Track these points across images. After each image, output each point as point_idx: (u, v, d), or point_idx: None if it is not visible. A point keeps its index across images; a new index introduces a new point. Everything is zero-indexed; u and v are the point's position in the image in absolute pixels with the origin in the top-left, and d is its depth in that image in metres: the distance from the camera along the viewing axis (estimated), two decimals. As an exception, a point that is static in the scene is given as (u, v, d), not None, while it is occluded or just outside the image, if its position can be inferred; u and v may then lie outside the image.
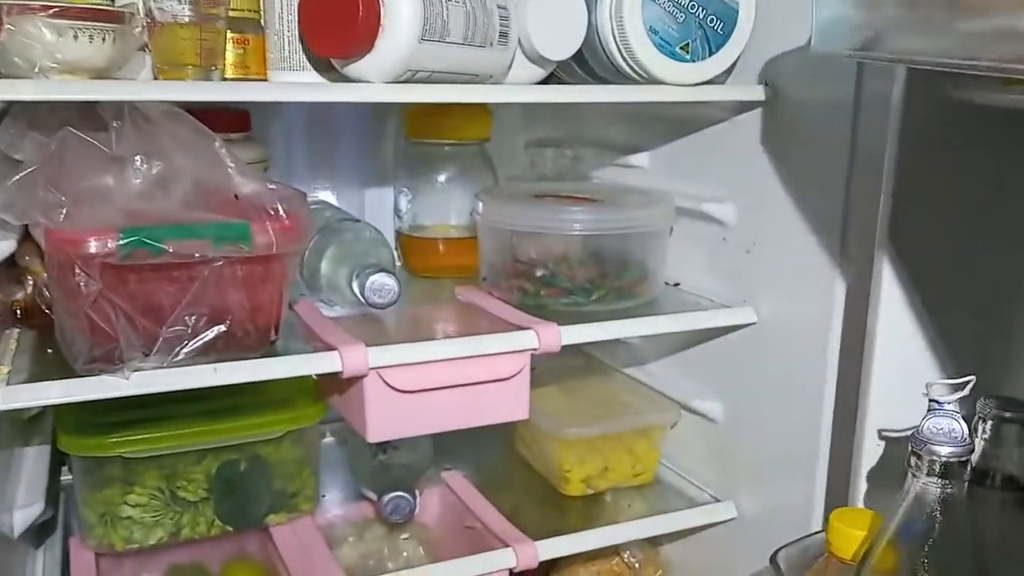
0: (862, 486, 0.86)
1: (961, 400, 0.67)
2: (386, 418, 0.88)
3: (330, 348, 0.85)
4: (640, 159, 1.17)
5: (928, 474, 0.65)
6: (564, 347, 1.23)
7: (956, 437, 0.65)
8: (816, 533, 0.88)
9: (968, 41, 0.52)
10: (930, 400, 0.67)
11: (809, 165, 0.92)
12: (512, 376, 0.91)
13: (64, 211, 0.76)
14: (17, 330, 0.90)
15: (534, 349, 0.91)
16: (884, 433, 0.84)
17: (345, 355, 0.84)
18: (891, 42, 0.61)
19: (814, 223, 0.92)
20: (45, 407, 1.02)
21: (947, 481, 0.65)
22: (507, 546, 0.97)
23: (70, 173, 0.78)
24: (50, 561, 0.96)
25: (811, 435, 0.94)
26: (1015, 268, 0.83)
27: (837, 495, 0.93)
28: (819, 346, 0.93)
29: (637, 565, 1.14)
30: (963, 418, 0.66)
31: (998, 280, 0.84)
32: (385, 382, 0.86)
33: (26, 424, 1.00)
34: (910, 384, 0.78)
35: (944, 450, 0.65)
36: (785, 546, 0.84)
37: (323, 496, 1.08)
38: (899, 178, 0.80)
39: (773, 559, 0.82)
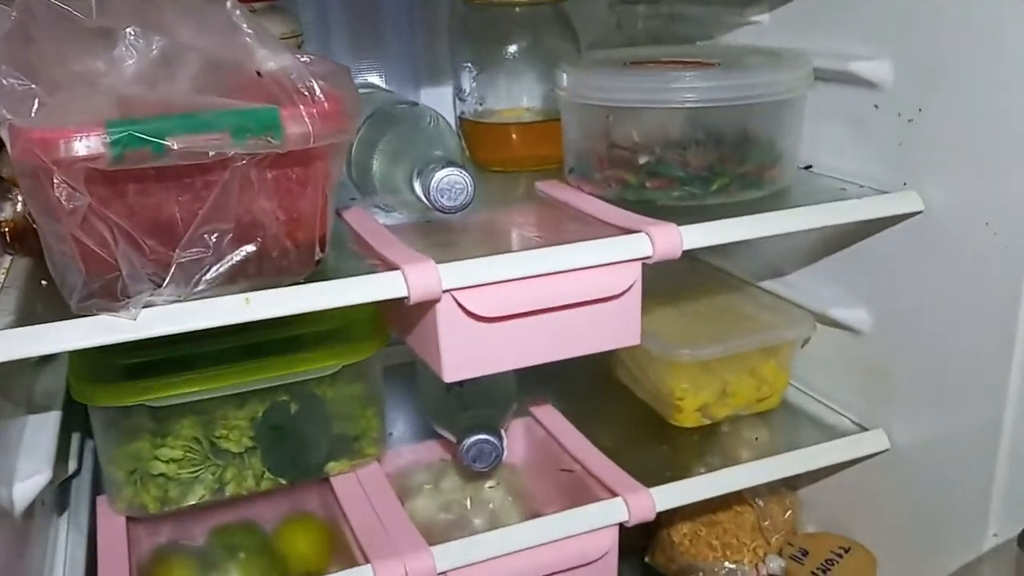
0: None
1: None
2: (466, 352, 0.70)
3: (391, 267, 0.67)
4: (760, 14, 0.94)
5: None
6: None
7: None
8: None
9: None
10: None
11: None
12: (621, 293, 0.72)
13: (35, 103, 0.57)
14: (9, 257, 0.74)
15: (647, 257, 0.72)
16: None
17: (411, 275, 0.66)
18: None
19: (1002, 72, 0.70)
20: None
21: None
22: (615, 495, 0.79)
23: (40, 51, 0.60)
24: (74, 530, 0.81)
25: (1000, 342, 0.75)
26: None
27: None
28: (1009, 239, 0.72)
29: (762, 504, 0.96)
30: None
31: None
32: (462, 307, 0.68)
33: (33, 369, 0.84)
34: None
35: None
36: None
37: (390, 434, 0.92)
38: None
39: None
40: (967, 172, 0.76)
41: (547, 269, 0.69)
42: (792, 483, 1.00)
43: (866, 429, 0.90)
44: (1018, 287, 0.73)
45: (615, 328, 0.74)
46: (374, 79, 1.04)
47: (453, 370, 0.70)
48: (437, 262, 0.67)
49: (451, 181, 0.69)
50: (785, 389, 0.95)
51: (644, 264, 0.73)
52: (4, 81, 0.57)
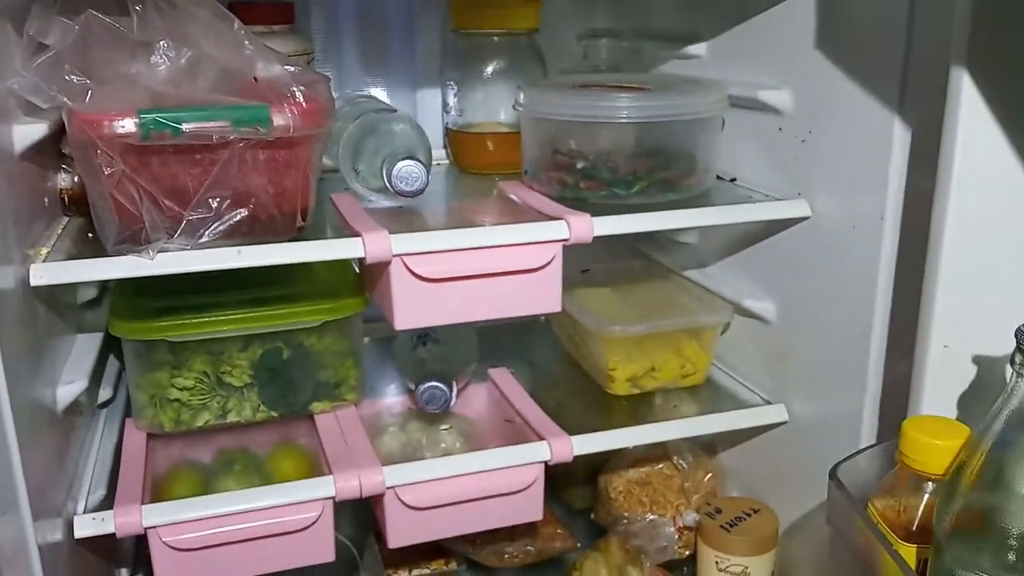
0: (925, 394, 0.79)
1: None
2: (412, 306, 0.87)
3: (355, 235, 0.85)
4: (699, 49, 1.11)
5: None
6: (621, 249, 1.22)
7: None
8: (874, 445, 0.84)
9: None
10: None
11: (864, 42, 0.86)
12: (542, 267, 0.89)
13: (89, 94, 0.77)
14: (66, 218, 0.94)
15: (564, 239, 0.89)
16: (952, 342, 0.77)
17: (368, 241, 0.84)
18: None
19: (869, 107, 0.86)
20: (101, 293, 1.06)
21: None
22: (542, 439, 0.96)
23: (95, 57, 0.79)
24: (106, 440, 1.00)
25: (862, 339, 0.90)
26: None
27: (892, 407, 0.88)
28: (873, 242, 0.87)
29: (686, 467, 1.12)
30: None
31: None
32: (409, 269, 0.85)
33: (82, 310, 1.04)
34: (984, 295, 0.73)
35: None
36: (845, 459, 0.79)
37: (371, 387, 1.10)
38: (972, 44, 0.70)
39: (833, 474, 0.77)
40: (840, 184, 0.91)
41: (481, 243, 0.87)
42: (711, 450, 1.15)
43: (770, 403, 1.05)
44: (874, 282, 0.87)
45: (538, 296, 0.90)
46: (378, 91, 1.22)
47: (402, 320, 0.88)
48: (391, 233, 0.85)
49: (408, 171, 0.88)
50: (708, 368, 1.10)
51: (564, 245, 0.90)
52: (67, 77, 0.77)
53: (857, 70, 0.87)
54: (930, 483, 0.69)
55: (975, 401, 0.74)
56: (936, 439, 0.68)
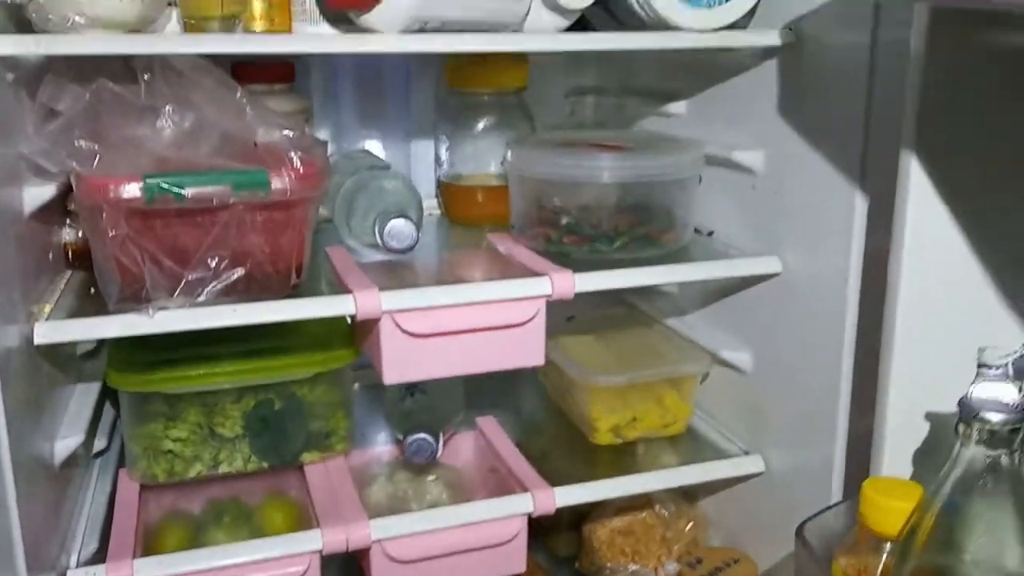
0: (887, 451, 0.82)
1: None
2: (400, 361, 0.91)
3: (347, 291, 0.89)
4: (678, 107, 1.16)
5: (978, 443, 0.63)
6: (606, 297, 1.25)
7: (1008, 404, 0.63)
8: (840, 503, 0.87)
9: None
10: (980, 364, 0.64)
11: (829, 112, 0.91)
12: (526, 322, 0.93)
13: (97, 159, 0.81)
14: (69, 272, 0.97)
15: (547, 295, 0.93)
16: (910, 404, 0.80)
17: (359, 299, 0.87)
18: None
19: (833, 171, 0.90)
20: (98, 346, 1.09)
21: (998, 450, 0.63)
22: (526, 491, 0.99)
23: (104, 123, 0.83)
24: (99, 491, 1.03)
25: (831, 393, 0.94)
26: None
27: (860, 458, 0.91)
28: (839, 300, 0.91)
29: (668, 516, 1.15)
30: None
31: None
32: (398, 326, 0.89)
33: (80, 361, 1.07)
34: (938, 356, 0.76)
35: (996, 417, 0.62)
36: (810, 519, 0.82)
37: (361, 436, 1.13)
38: (919, 124, 0.76)
39: (799, 533, 0.80)
40: (809, 242, 0.95)
41: (467, 299, 0.91)
42: (692, 498, 1.18)
43: (748, 454, 1.08)
44: (841, 338, 0.91)
45: (523, 350, 0.94)
46: (374, 145, 1.26)
47: (391, 374, 0.91)
48: (381, 290, 0.89)
49: (399, 229, 0.92)
50: (688, 417, 1.14)
51: (547, 300, 0.94)
52: (76, 143, 0.81)
53: (823, 137, 0.92)
54: (888, 543, 0.72)
55: (932, 458, 0.78)
56: (892, 500, 0.71)
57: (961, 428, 0.64)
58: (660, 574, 1.13)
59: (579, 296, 0.95)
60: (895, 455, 0.80)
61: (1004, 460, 0.63)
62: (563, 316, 1.22)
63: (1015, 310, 0.80)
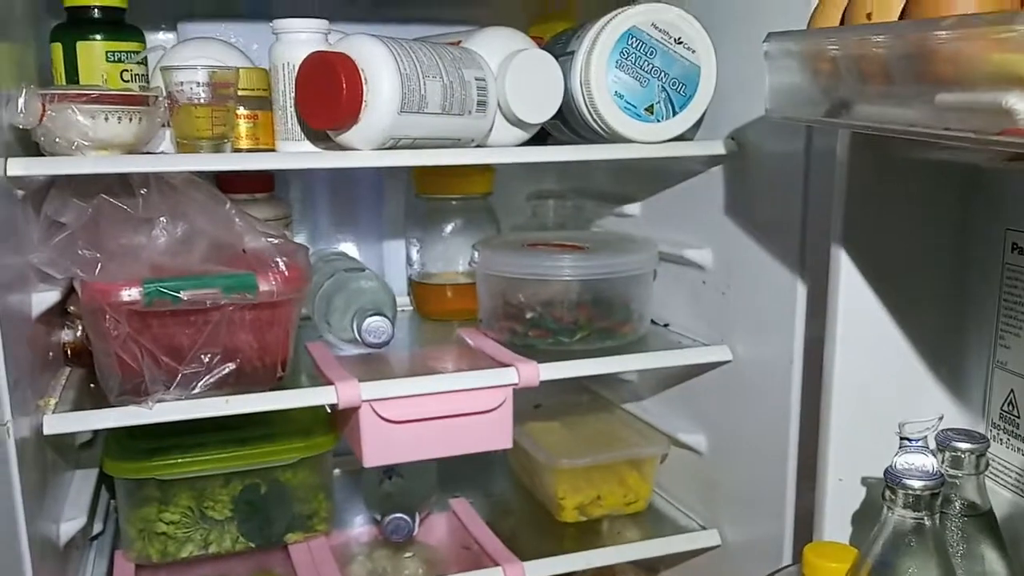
0: (827, 517, 0.90)
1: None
2: (379, 445, 0.98)
3: (328, 383, 0.97)
4: (633, 209, 1.26)
5: (903, 507, 0.69)
6: (570, 386, 1.34)
7: (928, 471, 0.69)
8: (786, 567, 0.95)
9: (944, 113, 0.56)
10: (901, 438, 0.72)
11: (770, 213, 1.01)
12: (495, 408, 1.01)
13: (99, 266, 0.89)
14: (68, 369, 1.04)
15: (514, 384, 1.01)
16: (847, 473, 0.89)
17: (340, 389, 0.95)
18: (848, 110, 0.68)
19: (775, 267, 1.00)
20: (95, 436, 1.16)
21: (921, 512, 0.69)
22: (497, 565, 1.06)
23: (104, 233, 0.92)
24: (98, 571, 1.08)
25: (779, 470, 1.02)
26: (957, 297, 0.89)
27: (808, 529, 0.99)
28: (784, 384, 1.00)
29: (630, 588, 1.22)
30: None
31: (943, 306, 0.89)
32: (377, 413, 0.97)
33: (78, 451, 1.14)
34: (871, 428, 0.85)
35: (917, 484, 0.69)
36: (761, 581, 0.90)
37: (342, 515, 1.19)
38: (847, 226, 0.85)
39: None
40: (755, 331, 1.04)
41: (440, 388, 0.99)
42: (654, 571, 1.25)
43: (705, 528, 1.16)
44: (787, 419, 1.00)
45: (492, 434, 1.02)
46: (349, 247, 1.35)
47: (370, 458, 0.99)
48: (360, 381, 0.96)
49: (376, 326, 1.00)
50: (649, 496, 1.21)
51: (514, 388, 1.02)
52: (80, 252, 0.90)
53: (765, 235, 1.02)
54: (829, 602, 0.80)
55: (868, 522, 0.85)
56: (830, 563, 0.79)
57: (887, 494, 0.71)
58: (624, 642, 1.19)
59: (544, 385, 1.03)
60: (835, 521, 0.88)
61: (927, 521, 0.69)
62: (530, 404, 1.30)
63: (936, 381, 0.89)
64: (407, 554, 1.13)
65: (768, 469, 1.03)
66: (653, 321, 1.19)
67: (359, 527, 1.20)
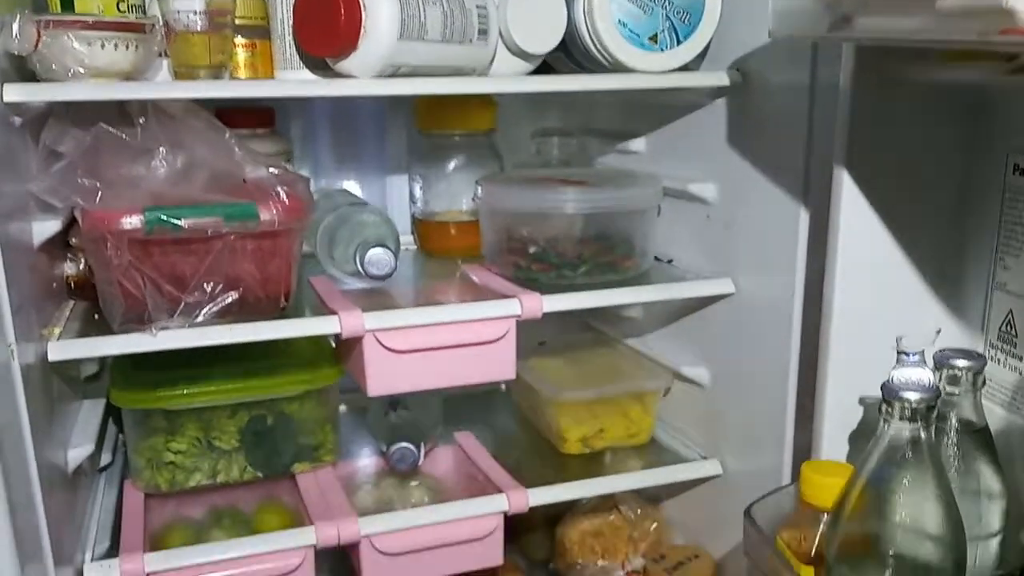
0: (825, 440, 0.92)
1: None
2: (383, 375, 0.99)
3: (332, 313, 0.97)
4: (638, 144, 1.26)
5: (900, 418, 0.70)
6: (574, 324, 1.34)
7: (924, 384, 0.71)
8: (784, 487, 0.95)
9: (945, 19, 0.56)
10: (899, 351, 0.72)
11: (774, 145, 1.00)
12: (498, 339, 1.01)
13: (99, 195, 0.89)
14: (72, 301, 1.05)
15: (517, 315, 1.01)
16: (845, 395, 0.90)
17: (344, 319, 0.96)
18: (850, 24, 0.67)
19: (779, 199, 0.99)
20: (100, 368, 1.17)
21: (917, 425, 0.70)
22: (501, 492, 1.07)
23: (104, 162, 0.92)
24: (107, 502, 1.10)
25: (780, 401, 1.02)
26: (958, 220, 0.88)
27: (804, 454, 1.00)
28: (785, 316, 1.00)
29: (634, 518, 1.23)
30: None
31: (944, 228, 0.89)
32: (380, 343, 0.97)
33: (85, 383, 1.15)
34: (870, 350, 0.84)
35: (914, 396, 0.70)
36: (758, 500, 0.90)
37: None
38: (850, 150, 0.85)
39: (747, 513, 0.88)
40: (758, 264, 1.04)
41: (444, 319, 0.99)
42: (656, 501, 1.26)
43: (706, 459, 1.17)
44: (788, 348, 1.00)
45: (494, 365, 1.03)
46: (352, 185, 1.35)
47: (374, 387, 0.99)
48: (364, 311, 0.97)
49: (378, 257, 1.00)
50: (651, 429, 1.22)
51: (517, 320, 1.02)
52: (80, 180, 0.90)
53: (769, 167, 1.01)
54: (824, 515, 0.80)
55: (865, 442, 0.86)
56: (827, 477, 0.80)
57: (884, 408, 0.72)
58: (627, 568, 1.21)
59: (548, 321, 1.04)
60: (833, 442, 0.89)
61: (922, 434, 0.70)
62: (535, 341, 1.31)
63: (936, 302, 0.89)
64: (413, 483, 1.15)
65: (769, 400, 1.04)
66: (657, 258, 1.19)
67: (366, 458, 1.22)
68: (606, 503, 1.24)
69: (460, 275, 1.16)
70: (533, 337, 1.25)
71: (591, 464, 1.18)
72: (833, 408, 0.89)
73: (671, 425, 1.25)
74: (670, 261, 1.20)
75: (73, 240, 1.04)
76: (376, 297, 1.06)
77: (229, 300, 0.93)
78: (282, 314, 0.98)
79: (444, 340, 0.99)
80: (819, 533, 0.81)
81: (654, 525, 1.23)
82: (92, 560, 0.96)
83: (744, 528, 0.87)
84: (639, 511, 1.24)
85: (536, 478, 1.11)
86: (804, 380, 1.00)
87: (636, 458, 1.20)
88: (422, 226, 1.28)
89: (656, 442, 1.23)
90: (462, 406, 1.31)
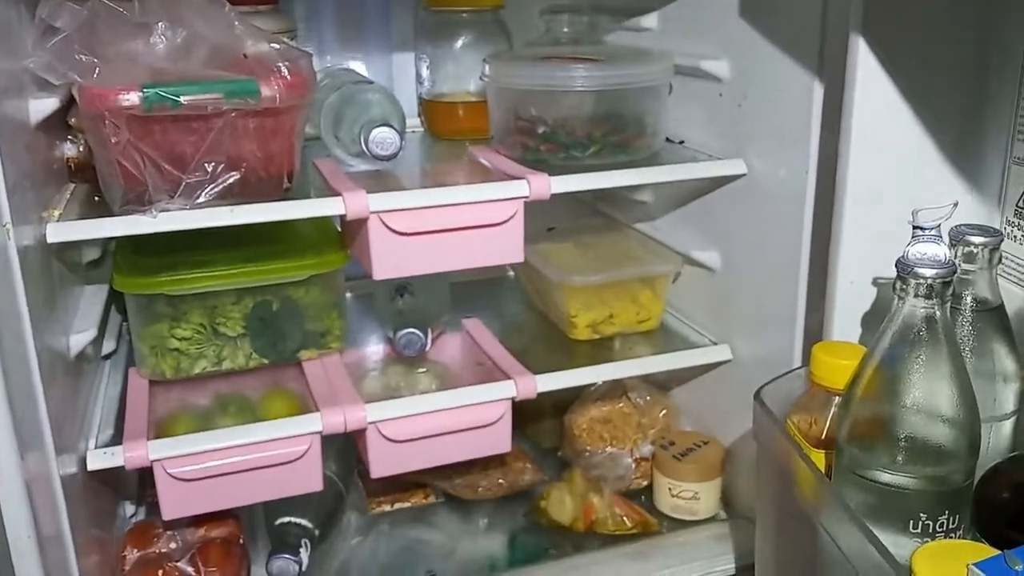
0: (836, 322, 0.90)
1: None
2: (389, 258, 0.97)
3: (336, 194, 0.95)
4: (649, 21, 1.21)
5: (915, 296, 0.69)
6: (584, 210, 1.32)
7: (940, 260, 0.68)
8: (795, 369, 0.95)
9: None
10: (915, 226, 0.70)
11: (788, 17, 0.96)
12: (506, 221, 0.99)
13: (96, 71, 0.86)
14: (73, 184, 1.03)
15: (525, 196, 0.99)
16: (858, 275, 0.88)
17: (348, 200, 0.94)
18: None
19: (793, 73, 0.96)
20: (103, 254, 1.16)
21: (932, 302, 0.68)
22: (509, 378, 1.07)
23: (101, 38, 0.88)
24: (111, 388, 1.10)
25: (791, 283, 1.01)
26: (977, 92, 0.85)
27: (816, 338, 0.99)
28: (798, 196, 0.98)
29: (643, 404, 1.23)
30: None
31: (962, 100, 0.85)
32: (386, 225, 0.95)
33: (87, 268, 1.14)
34: (884, 228, 0.82)
35: (929, 272, 0.68)
36: (768, 383, 0.89)
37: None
38: (866, 14, 0.80)
39: (757, 396, 0.87)
40: (771, 144, 1.01)
41: (451, 201, 0.97)
42: (665, 388, 1.26)
43: (716, 344, 1.16)
44: (800, 230, 0.98)
45: (502, 248, 1.00)
46: (356, 64, 1.31)
47: (380, 270, 0.98)
48: (369, 192, 0.95)
49: (383, 137, 0.97)
50: (661, 315, 1.21)
51: (525, 202, 1.00)
52: (77, 56, 0.87)
53: (783, 41, 0.97)
54: (835, 397, 0.80)
55: (878, 324, 0.85)
56: (839, 359, 0.79)
57: (898, 285, 0.70)
58: (635, 455, 1.21)
59: (558, 206, 1.01)
60: (845, 323, 0.88)
61: (937, 312, 0.69)
62: (544, 227, 1.29)
63: (953, 177, 0.86)
64: (420, 369, 1.15)
65: (780, 282, 1.02)
66: (668, 139, 1.16)
67: (372, 345, 1.21)
68: (615, 390, 1.24)
69: (467, 157, 1.14)
70: (542, 223, 1.24)
71: (600, 350, 1.17)
72: (846, 289, 0.87)
73: (681, 311, 1.24)
74: (682, 142, 1.18)
75: (72, 120, 1.01)
76: (382, 179, 1.04)
77: (231, 180, 0.91)
78: (285, 196, 0.95)
79: (451, 222, 0.97)
80: (830, 416, 0.80)
81: (663, 412, 1.23)
82: (96, 448, 0.96)
83: (754, 411, 0.87)
84: (648, 398, 1.24)
85: (544, 364, 1.10)
86: (816, 262, 0.98)
87: (645, 344, 1.19)
88: (429, 107, 1.25)
89: (665, 328, 1.22)
90: (470, 292, 1.30)
